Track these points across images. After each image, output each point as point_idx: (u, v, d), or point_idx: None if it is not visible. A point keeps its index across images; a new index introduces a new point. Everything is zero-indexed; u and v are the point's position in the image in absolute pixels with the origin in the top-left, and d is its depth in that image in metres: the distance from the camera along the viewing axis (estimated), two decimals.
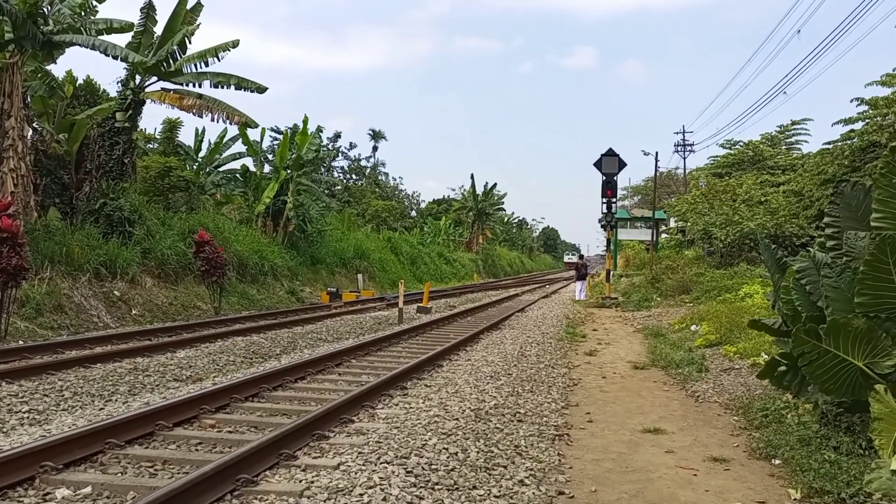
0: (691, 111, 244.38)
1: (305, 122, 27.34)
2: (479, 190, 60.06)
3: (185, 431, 5.95)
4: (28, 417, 6.47)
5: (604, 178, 25.94)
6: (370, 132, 71.12)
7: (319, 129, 29.29)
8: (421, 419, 6.40)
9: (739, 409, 7.38)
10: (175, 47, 17.65)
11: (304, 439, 5.58)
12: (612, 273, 28.44)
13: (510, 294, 29.46)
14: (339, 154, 62.39)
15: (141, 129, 22.61)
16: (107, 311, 14.47)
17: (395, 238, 39.87)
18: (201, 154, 29.12)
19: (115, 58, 16.26)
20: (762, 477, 5.27)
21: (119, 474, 4.84)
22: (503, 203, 64.49)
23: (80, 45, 15.96)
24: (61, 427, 6.01)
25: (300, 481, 4.66)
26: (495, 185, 61.42)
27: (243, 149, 28.34)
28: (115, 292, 15.20)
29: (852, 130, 20.65)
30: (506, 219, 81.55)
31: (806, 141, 36.64)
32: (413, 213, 64.17)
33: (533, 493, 4.75)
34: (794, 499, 4.75)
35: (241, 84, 19.06)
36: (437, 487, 4.65)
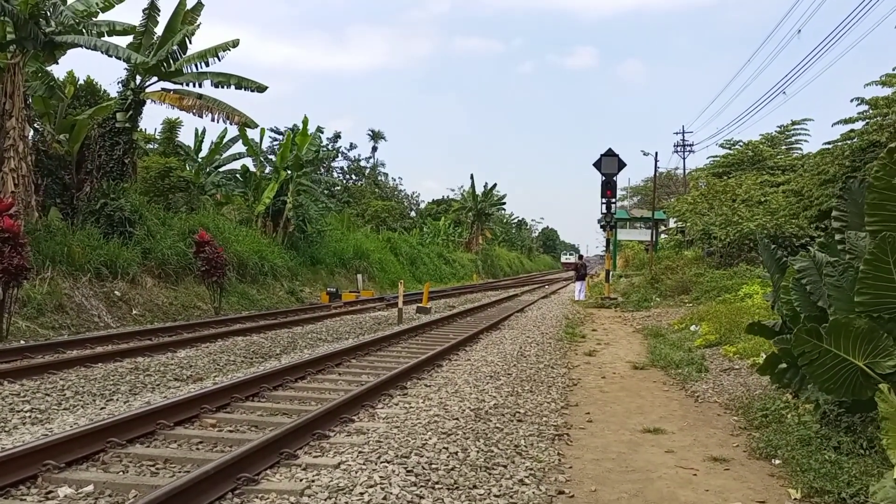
0: (691, 111, 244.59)
1: (305, 122, 27.38)
2: (479, 190, 60.09)
3: (186, 430, 5.96)
4: (30, 416, 6.49)
5: (603, 178, 25.98)
6: (370, 132, 71.30)
7: (319, 130, 29.34)
8: (421, 419, 6.41)
9: (739, 409, 7.39)
10: (175, 47, 17.66)
11: (305, 438, 5.60)
12: (611, 273, 28.46)
13: (509, 294, 29.47)
14: (339, 154, 62.47)
15: (141, 130, 22.62)
16: (107, 311, 14.49)
17: (395, 238, 39.89)
18: (201, 154, 29.13)
19: (117, 58, 16.29)
20: (762, 477, 5.28)
21: (121, 473, 4.85)
22: (503, 203, 64.57)
23: (81, 45, 15.97)
24: (63, 426, 6.03)
25: (301, 480, 4.68)
26: (495, 185, 61.52)
27: (243, 149, 28.36)
28: (116, 292, 15.22)
29: (852, 130, 20.67)
30: (505, 219, 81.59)
31: (806, 141, 36.64)
32: (412, 214, 64.18)
33: (533, 492, 4.77)
34: (795, 499, 4.75)
35: (242, 83, 19.08)
36: (437, 487, 4.67)
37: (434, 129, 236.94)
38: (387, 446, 5.41)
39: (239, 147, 28.93)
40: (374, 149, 70.86)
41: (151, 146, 27.22)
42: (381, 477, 4.68)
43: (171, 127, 26.96)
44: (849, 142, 20.49)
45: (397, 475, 4.75)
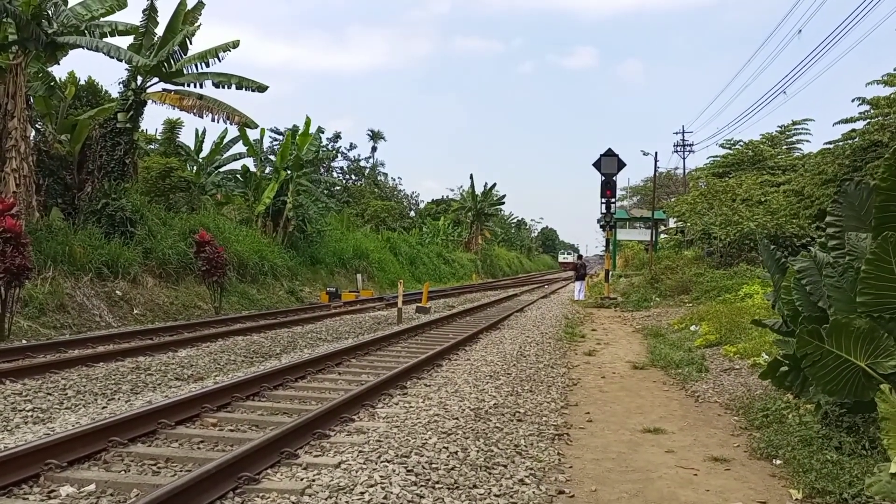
0: (691, 111, 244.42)
1: (307, 122, 27.38)
2: (479, 190, 60.08)
3: (187, 430, 5.97)
4: (32, 415, 6.50)
5: (603, 178, 25.98)
6: (369, 132, 71.30)
7: (320, 130, 29.33)
8: (421, 418, 6.42)
9: (740, 409, 7.39)
10: (176, 48, 17.69)
11: (306, 438, 5.61)
12: (611, 273, 28.46)
13: (509, 294, 29.47)
14: (339, 154, 62.49)
15: (142, 130, 22.65)
16: (109, 311, 14.50)
17: (394, 238, 39.91)
18: (202, 155, 29.15)
19: (118, 60, 16.29)
20: (763, 477, 5.28)
21: (122, 472, 4.86)
22: (503, 203, 64.54)
23: (83, 46, 15.98)
24: (65, 425, 6.04)
25: (301, 479, 4.68)
26: (494, 185, 61.47)
27: (244, 149, 28.37)
28: (117, 292, 15.23)
29: (854, 130, 20.67)
30: (505, 220, 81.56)
31: (807, 141, 36.67)
32: (412, 214, 64.19)
33: (533, 492, 4.77)
34: (796, 499, 4.75)
35: (242, 83, 19.09)
36: (437, 486, 4.67)
37: (434, 128, 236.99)
38: (387, 446, 5.42)
39: (239, 147, 28.95)
40: (374, 149, 70.93)
41: (152, 147, 27.26)
42: (381, 476, 4.68)
43: (172, 127, 26.98)
44: (850, 141, 20.50)
45: (398, 475, 4.76)
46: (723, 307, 14.84)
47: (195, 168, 27.59)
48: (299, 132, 27.60)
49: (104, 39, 16.75)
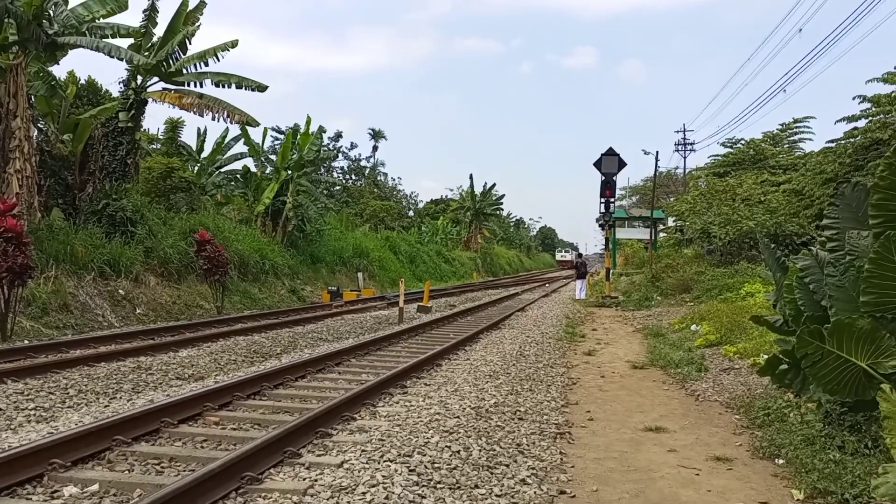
0: (691, 111, 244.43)
1: (308, 122, 27.40)
2: (478, 190, 60.07)
3: (189, 428, 5.98)
4: (35, 415, 6.51)
5: (603, 177, 25.95)
6: (370, 131, 71.28)
7: (322, 130, 29.34)
8: (422, 417, 6.42)
9: (741, 408, 7.39)
10: (176, 48, 17.69)
11: (308, 437, 5.61)
12: (611, 272, 28.45)
13: (510, 293, 29.46)
14: (340, 154, 62.46)
15: (144, 130, 22.65)
16: (111, 310, 14.51)
17: (394, 237, 39.94)
18: (203, 154, 29.16)
19: (118, 59, 16.30)
20: (765, 477, 5.28)
21: (126, 472, 4.86)
22: (501, 203, 64.50)
23: (84, 46, 15.98)
24: (68, 424, 6.04)
25: (304, 479, 4.68)
26: (494, 185, 61.51)
27: (245, 149, 28.38)
28: (120, 291, 15.24)
29: (856, 128, 20.64)
30: (504, 219, 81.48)
31: (809, 139, 36.69)
32: (410, 213, 64.16)
33: (535, 492, 4.78)
34: (798, 499, 4.74)
35: (242, 83, 19.10)
36: (439, 486, 4.67)
37: (433, 128, 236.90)
38: (389, 445, 5.42)
39: (240, 147, 28.98)
40: (375, 148, 70.92)
41: (154, 146, 27.26)
42: (383, 476, 4.68)
43: (174, 127, 26.99)
44: (851, 140, 20.47)
45: (400, 474, 4.75)
46: (724, 306, 14.83)
47: (196, 168, 27.60)
48: (300, 132, 27.60)
49: (105, 40, 16.74)
